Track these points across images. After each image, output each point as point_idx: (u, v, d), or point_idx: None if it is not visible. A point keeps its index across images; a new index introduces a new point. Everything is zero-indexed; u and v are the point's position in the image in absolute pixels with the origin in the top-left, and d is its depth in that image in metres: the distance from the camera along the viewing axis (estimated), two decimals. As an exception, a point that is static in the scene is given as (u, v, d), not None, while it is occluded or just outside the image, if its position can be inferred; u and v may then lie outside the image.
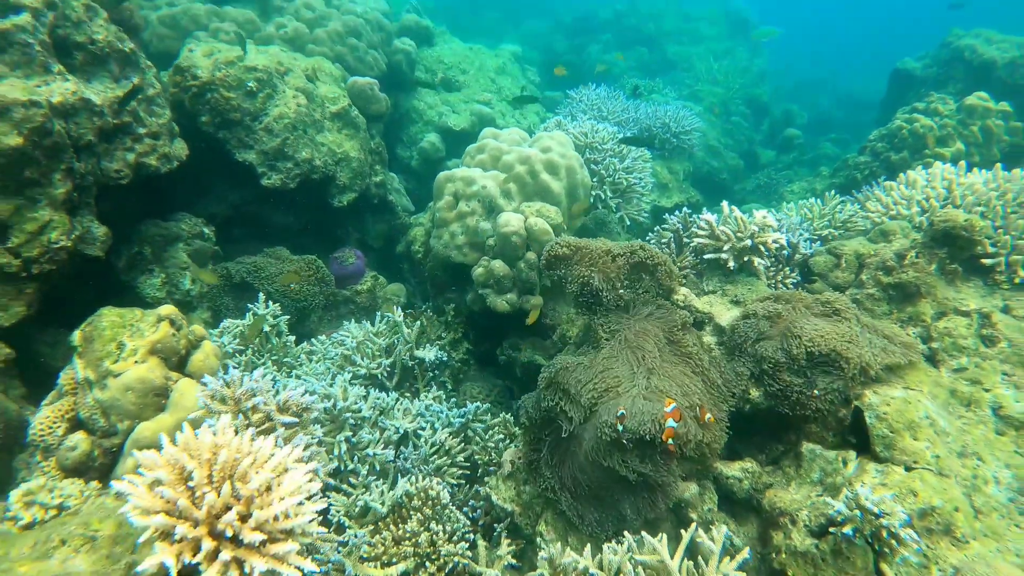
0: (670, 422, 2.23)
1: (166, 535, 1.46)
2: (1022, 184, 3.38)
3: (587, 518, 2.51)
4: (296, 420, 2.49)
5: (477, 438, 3.58)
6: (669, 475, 2.38)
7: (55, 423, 2.68)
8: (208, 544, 1.45)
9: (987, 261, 3.21)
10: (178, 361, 2.81)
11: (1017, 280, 3.20)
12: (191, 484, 1.54)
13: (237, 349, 3.82)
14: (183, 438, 1.66)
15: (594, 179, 4.64)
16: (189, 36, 6.28)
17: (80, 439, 2.58)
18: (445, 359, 4.32)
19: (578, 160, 4.46)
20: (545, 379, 2.73)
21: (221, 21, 6.35)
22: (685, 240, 3.68)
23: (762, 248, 3.40)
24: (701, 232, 3.55)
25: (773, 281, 3.67)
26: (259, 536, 1.51)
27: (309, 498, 1.75)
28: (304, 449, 2.39)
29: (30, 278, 3.20)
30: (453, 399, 4.29)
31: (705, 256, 3.52)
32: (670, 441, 2.24)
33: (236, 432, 1.98)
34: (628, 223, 4.76)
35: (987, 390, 2.76)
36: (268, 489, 1.60)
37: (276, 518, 1.56)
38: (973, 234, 3.08)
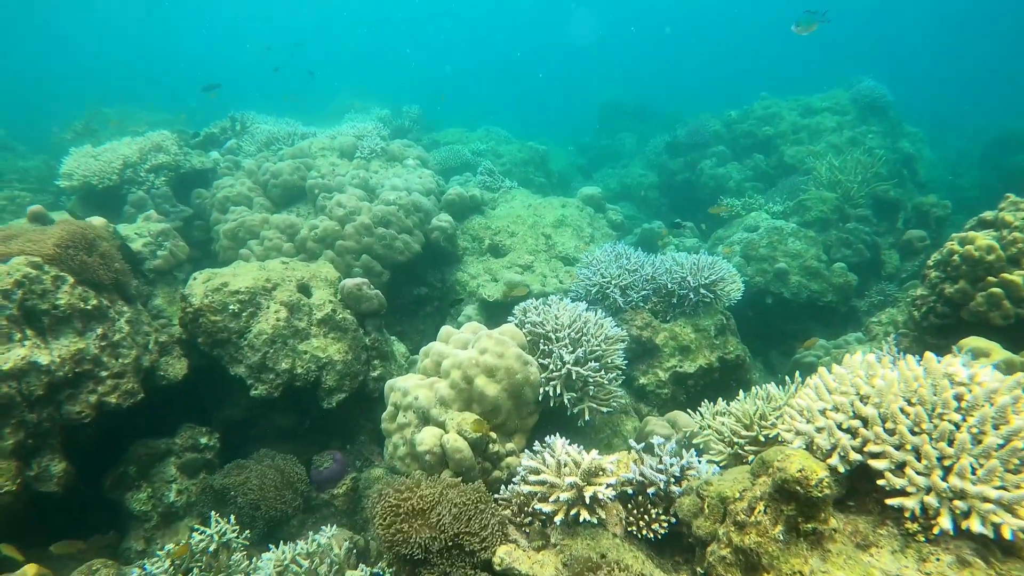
0: None
1: None
2: (943, 385, 2.41)
3: None
4: None
5: None
6: None
7: None
8: None
9: (891, 502, 2.30)
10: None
11: (936, 530, 2.21)
12: None
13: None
14: None
15: (543, 375, 4.29)
16: (244, 245, 7.16)
17: None
18: (385, 582, 4.09)
19: (519, 358, 4.18)
20: None
21: (269, 229, 7.17)
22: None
23: (587, 499, 2.80)
24: (530, 479, 3.03)
25: (635, 527, 2.95)
26: None
27: None
28: None
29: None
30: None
31: (536, 507, 2.98)
32: None
33: None
34: (588, 419, 4.28)
35: None
36: None
37: None
38: (810, 491, 2.16)
